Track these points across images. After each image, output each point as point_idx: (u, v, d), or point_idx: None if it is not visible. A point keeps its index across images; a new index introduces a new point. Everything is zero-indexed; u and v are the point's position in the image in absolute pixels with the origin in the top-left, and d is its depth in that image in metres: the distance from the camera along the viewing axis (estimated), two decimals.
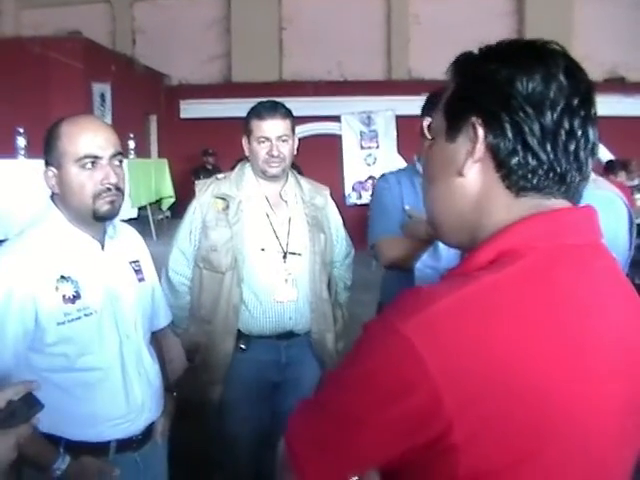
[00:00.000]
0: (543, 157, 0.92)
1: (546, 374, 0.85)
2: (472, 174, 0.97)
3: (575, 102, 0.92)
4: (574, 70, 0.94)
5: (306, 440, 0.95)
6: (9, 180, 5.53)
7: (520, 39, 0.97)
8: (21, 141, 6.11)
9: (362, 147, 12.48)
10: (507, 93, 0.92)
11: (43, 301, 1.89)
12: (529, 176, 0.93)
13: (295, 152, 2.95)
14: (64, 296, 1.92)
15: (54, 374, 1.93)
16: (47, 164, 1.98)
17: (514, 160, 0.93)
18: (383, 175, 2.92)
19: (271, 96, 3.07)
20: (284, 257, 2.88)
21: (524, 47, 0.96)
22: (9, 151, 6.25)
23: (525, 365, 0.84)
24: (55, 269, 1.93)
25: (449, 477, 0.86)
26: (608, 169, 8.39)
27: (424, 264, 2.14)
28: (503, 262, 0.90)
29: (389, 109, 12.05)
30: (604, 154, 10.41)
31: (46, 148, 1.98)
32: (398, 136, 12.03)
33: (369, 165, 12.37)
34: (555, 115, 0.91)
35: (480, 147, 0.94)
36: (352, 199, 12.29)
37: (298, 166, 6.65)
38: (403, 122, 11.33)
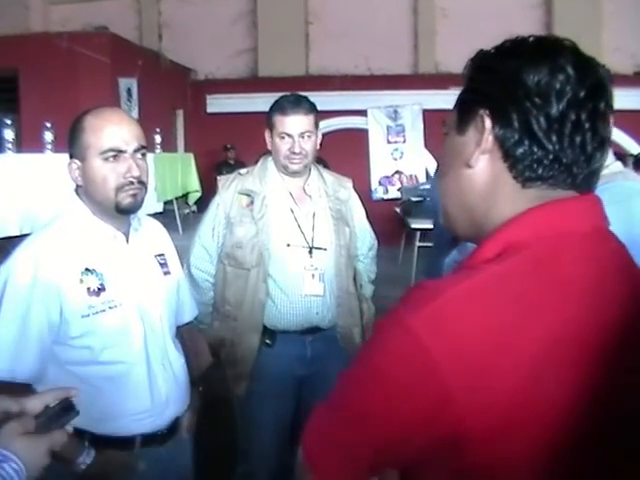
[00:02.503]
0: (549, 147, 0.92)
1: (550, 362, 0.85)
2: (480, 165, 0.98)
3: (582, 94, 0.91)
4: (584, 64, 0.94)
5: (321, 440, 0.97)
6: (36, 174, 5.55)
7: (535, 35, 0.98)
8: (48, 135, 6.13)
9: (389, 141, 12.42)
10: (513, 84, 0.93)
11: (67, 293, 1.89)
12: (534, 166, 0.94)
13: (318, 147, 2.92)
14: (89, 289, 1.92)
15: (78, 367, 1.94)
16: (71, 156, 1.98)
17: (520, 150, 0.93)
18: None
19: (298, 90, 3.05)
20: (310, 252, 2.86)
21: (535, 41, 0.96)
22: (37, 145, 6.29)
23: (530, 354, 0.84)
24: (79, 262, 1.93)
25: (457, 468, 0.87)
26: (638, 164, 8.25)
27: (452, 259, 2.12)
28: (509, 254, 0.91)
29: (416, 103, 11.96)
30: (634, 148, 10.26)
31: (70, 140, 1.98)
32: (425, 130, 11.94)
33: (396, 160, 12.30)
34: (561, 106, 0.91)
35: (488, 138, 0.96)
36: (378, 194, 12.23)
37: (324, 160, 6.62)
38: (430, 116, 11.25)
